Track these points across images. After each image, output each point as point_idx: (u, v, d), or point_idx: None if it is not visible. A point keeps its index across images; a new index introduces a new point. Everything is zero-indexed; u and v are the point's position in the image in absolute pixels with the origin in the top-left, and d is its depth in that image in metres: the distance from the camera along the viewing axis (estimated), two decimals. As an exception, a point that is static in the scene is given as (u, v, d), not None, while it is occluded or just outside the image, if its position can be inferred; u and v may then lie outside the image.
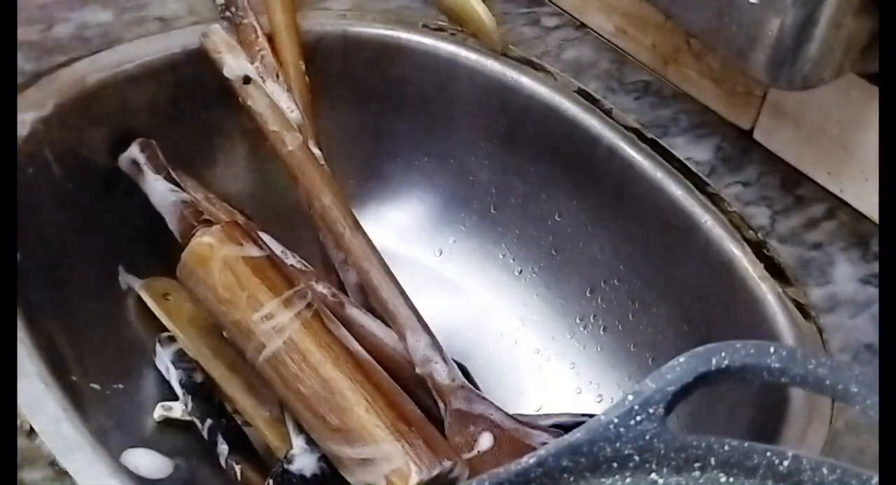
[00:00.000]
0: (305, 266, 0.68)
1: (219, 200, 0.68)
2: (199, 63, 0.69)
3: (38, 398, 0.50)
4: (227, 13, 0.70)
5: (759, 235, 0.63)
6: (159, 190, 0.66)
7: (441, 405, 0.61)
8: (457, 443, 0.60)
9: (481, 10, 0.74)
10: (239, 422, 0.63)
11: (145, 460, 0.61)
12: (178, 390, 0.63)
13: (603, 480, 0.38)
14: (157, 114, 0.69)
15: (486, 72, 0.73)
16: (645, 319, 0.69)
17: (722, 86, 0.68)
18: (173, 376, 0.64)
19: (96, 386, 0.62)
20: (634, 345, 0.70)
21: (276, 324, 0.58)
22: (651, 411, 0.38)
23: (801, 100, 0.64)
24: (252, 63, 0.68)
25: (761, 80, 0.57)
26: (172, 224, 0.64)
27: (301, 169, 0.66)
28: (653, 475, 0.38)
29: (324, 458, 0.58)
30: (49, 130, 0.63)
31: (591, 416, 0.50)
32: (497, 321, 0.74)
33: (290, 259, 0.67)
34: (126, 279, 0.68)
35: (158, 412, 0.63)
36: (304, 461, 0.58)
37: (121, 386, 0.64)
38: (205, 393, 0.63)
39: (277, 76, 0.68)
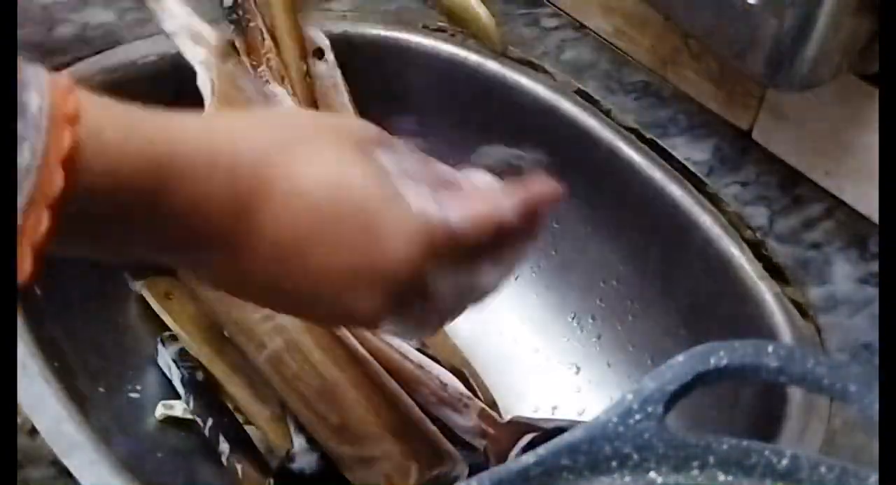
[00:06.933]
0: (306, 266, 0.68)
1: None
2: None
3: (40, 397, 0.50)
4: (234, 16, 0.70)
5: (758, 234, 0.64)
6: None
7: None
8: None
9: (481, 12, 0.74)
10: (240, 420, 0.63)
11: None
12: (180, 389, 0.64)
13: (602, 478, 0.38)
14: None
15: (486, 72, 0.73)
16: (644, 319, 0.69)
17: (721, 86, 0.69)
18: (175, 375, 0.64)
19: (98, 385, 0.62)
20: (633, 345, 0.70)
21: (277, 323, 0.59)
22: (650, 410, 0.38)
23: (799, 100, 0.64)
24: (258, 67, 0.68)
25: (760, 80, 0.57)
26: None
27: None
28: (651, 474, 0.38)
29: (324, 456, 0.58)
30: (51, 130, 0.63)
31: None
32: (497, 321, 0.74)
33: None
34: (128, 279, 0.68)
35: (160, 411, 0.64)
36: (305, 460, 0.58)
37: (123, 385, 0.64)
38: (206, 392, 0.63)
39: (283, 80, 0.68)
